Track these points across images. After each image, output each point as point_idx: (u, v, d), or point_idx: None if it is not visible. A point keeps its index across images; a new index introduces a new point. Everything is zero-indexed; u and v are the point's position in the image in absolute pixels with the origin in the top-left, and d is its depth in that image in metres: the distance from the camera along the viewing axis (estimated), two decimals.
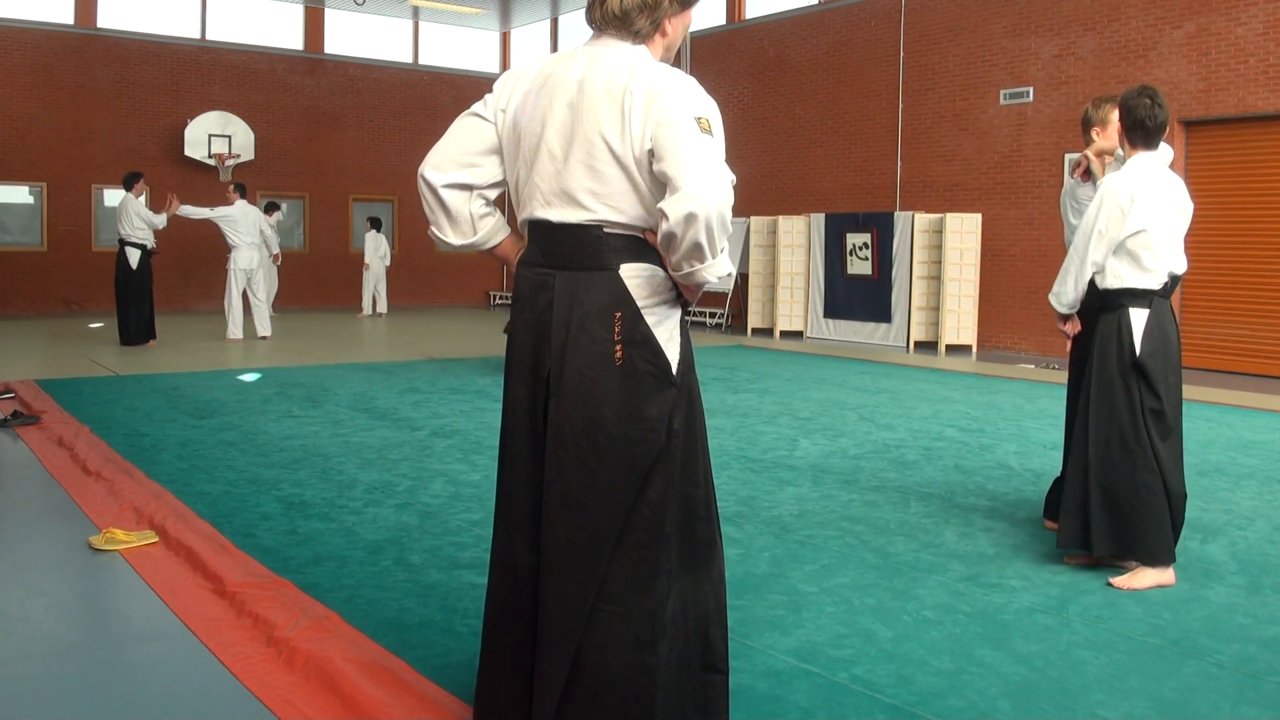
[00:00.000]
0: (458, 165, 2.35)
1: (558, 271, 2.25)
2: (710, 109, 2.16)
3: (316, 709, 2.63)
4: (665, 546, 2.23)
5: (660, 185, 2.13)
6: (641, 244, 2.23)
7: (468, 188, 2.36)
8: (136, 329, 11.12)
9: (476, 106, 2.38)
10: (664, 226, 2.08)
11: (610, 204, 2.18)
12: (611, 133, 2.14)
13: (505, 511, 2.36)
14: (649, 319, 2.22)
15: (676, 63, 2.35)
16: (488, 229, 2.42)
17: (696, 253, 2.10)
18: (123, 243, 11.24)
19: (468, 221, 2.39)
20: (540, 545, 2.26)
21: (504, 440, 2.37)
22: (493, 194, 2.41)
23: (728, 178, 2.12)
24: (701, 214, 2.04)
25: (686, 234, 2.06)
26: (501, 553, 2.36)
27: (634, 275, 2.22)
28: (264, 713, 2.63)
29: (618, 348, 2.19)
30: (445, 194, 2.35)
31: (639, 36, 2.24)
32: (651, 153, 2.12)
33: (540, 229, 2.29)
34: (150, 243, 11.29)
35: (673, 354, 2.25)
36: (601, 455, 2.18)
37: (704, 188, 2.05)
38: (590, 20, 2.28)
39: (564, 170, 2.20)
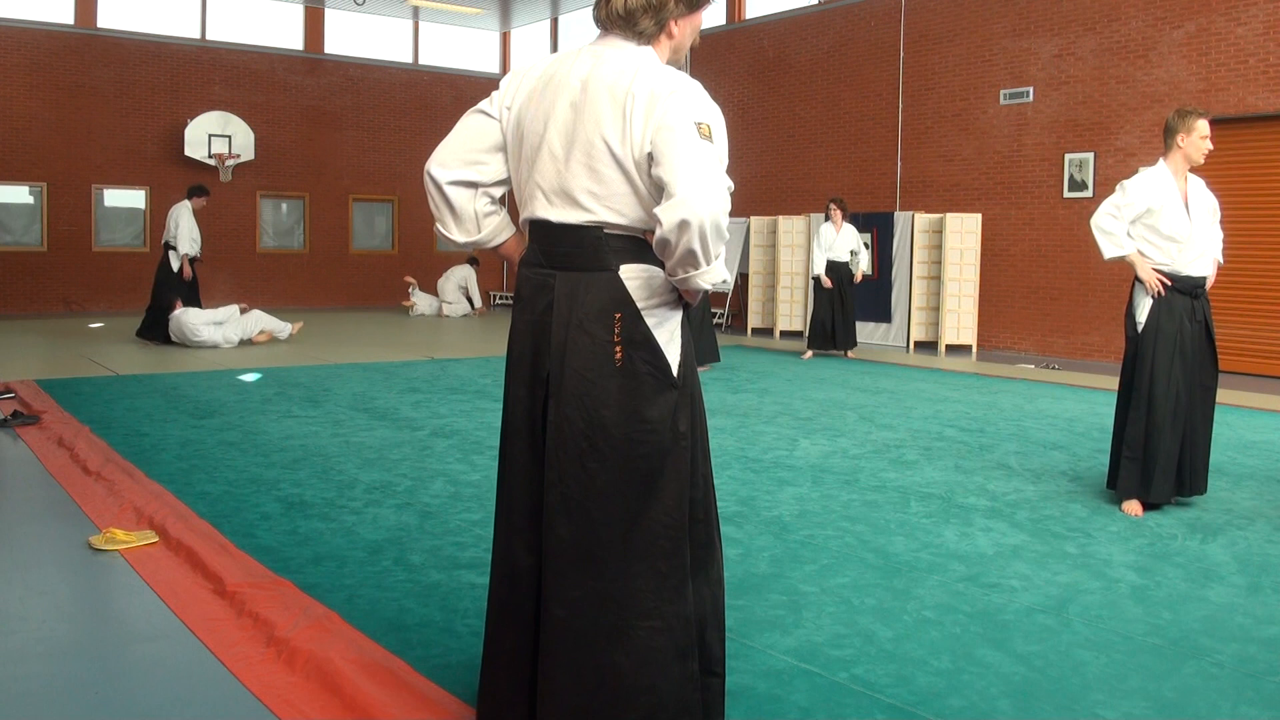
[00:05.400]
0: (463, 162, 2.34)
1: (558, 272, 2.24)
2: (712, 114, 2.14)
3: (316, 709, 2.63)
4: (687, 551, 2.23)
5: (660, 189, 2.12)
6: (642, 245, 2.22)
7: (473, 185, 2.36)
8: (164, 329, 11.30)
9: (483, 104, 2.37)
10: (658, 232, 2.07)
11: (610, 205, 2.17)
12: (612, 134, 2.13)
13: (505, 513, 2.35)
14: (649, 320, 2.20)
15: (676, 62, 2.34)
16: (492, 227, 2.41)
17: (690, 259, 2.08)
18: (166, 245, 11.55)
19: (472, 219, 2.38)
20: (540, 547, 2.25)
21: (504, 441, 2.37)
22: (497, 192, 2.40)
23: (725, 185, 2.10)
24: (695, 221, 2.02)
25: (680, 240, 2.05)
26: (501, 554, 2.35)
27: (634, 276, 2.21)
28: (264, 713, 2.63)
29: (617, 348, 2.18)
30: (450, 191, 2.34)
31: (643, 37, 2.23)
32: (651, 156, 2.10)
33: (541, 229, 2.28)
34: (188, 250, 11.46)
35: (673, 355, 2.24)
36: (601, 457, 2.17)
37: (698, 194, 2.03)
38: (596, 19, 2.28)
39: (565, 170, 2.19)
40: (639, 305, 2.20)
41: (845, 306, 11.19)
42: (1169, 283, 4.78)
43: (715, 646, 2.36)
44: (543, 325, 2.25)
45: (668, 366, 2.22)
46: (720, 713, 2.40)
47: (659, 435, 2.19)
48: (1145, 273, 4.80)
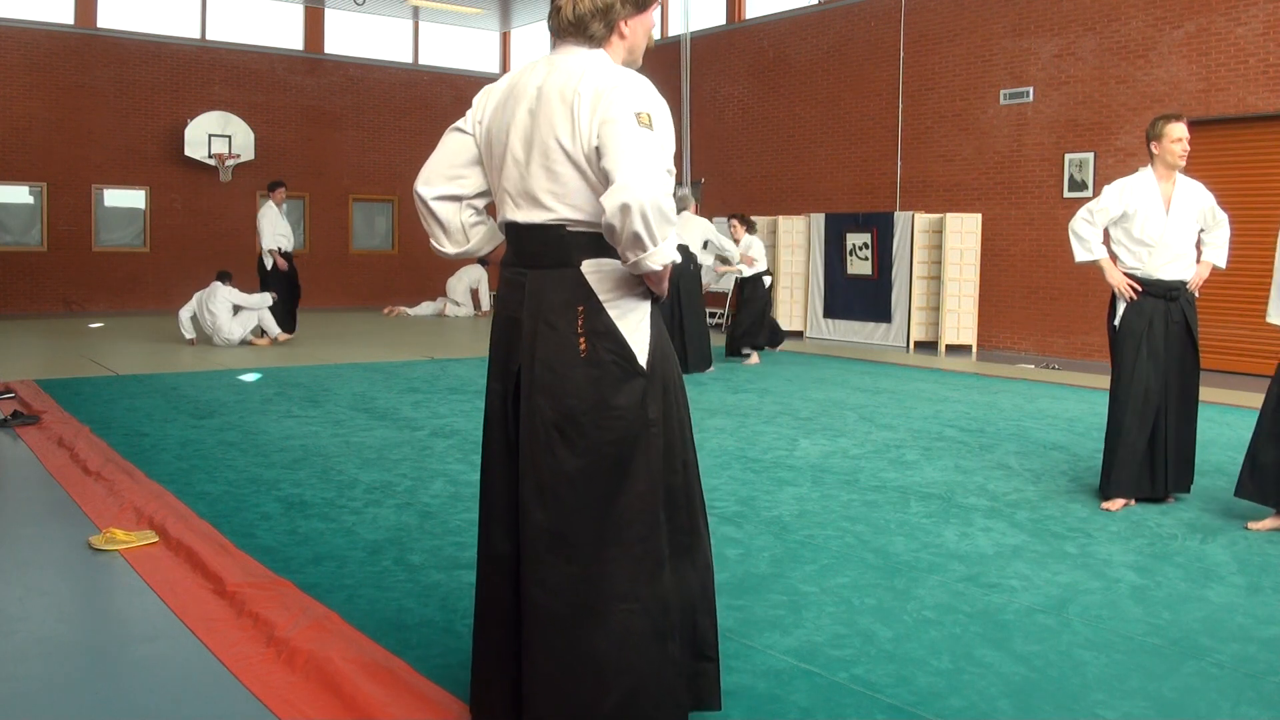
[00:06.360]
0: (445, 178, 2.50)
1: (529, 270, 2.36)
2: (653, 104, 2.24)
3: (316, 709, 2.63)
4: (661, 535, 2.30)
5: (608, 181, 2.22)
6: (604, 240, 2.30)
7: (456, 199, 2.51)
8: (283, 319, 11.74)
9: (459, 122, 2.53)
10: (604, 219, 2.16)
11: (569, 203, 2.28)
12: (564, 134, 2.24)
13: (486, 501, 2.47)
14: (612, 311, 2.30)
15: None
16: (480, 237, 2.56)
17: (637, 242, 2.15)
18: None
19: (460, 231, 2.54)
20: (518, 535, 2.33)
21: (484, 432, 2.50)
22: (480, 203, 2.54)
23: (664, 168, 2.19)
24: (635, 204, 2.10)
25: (624, 224, 2.13)
26: (484, 542, 2.46)
27: (595, 270, 2.31)
28: (264, 713, 2.63)
29: (581, 340, 2.27)
30: (436, 206, 2.51)
31: (594, 40, 2.35)
32: (598, 150, 2.21)
33: (512, 231, 2.41)
34: (272, 246, 11.78)
35: (639, 344, 2.31)
36: (571, 444, 2.26)
37: (637, 179, 2.12)
38: (550, 29, 2.40)
39: (526, 173, 2.32)
40: (601, 298, 2.29)
41: (739, 313, 10.59)
42: (1139, 288, 4.82)
43: (707, 632, 2.44)
44: (514, 321, 2.37)
45: (633, 356, 2.30)
46: (716, 696, 2.46)
47: (627, 422, 2.27)
48: (1113, 279, 4.87)
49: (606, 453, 2.25)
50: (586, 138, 2.22)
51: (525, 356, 2.31)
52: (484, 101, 2.47)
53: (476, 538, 2.52)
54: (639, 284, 2.32)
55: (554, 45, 2.40)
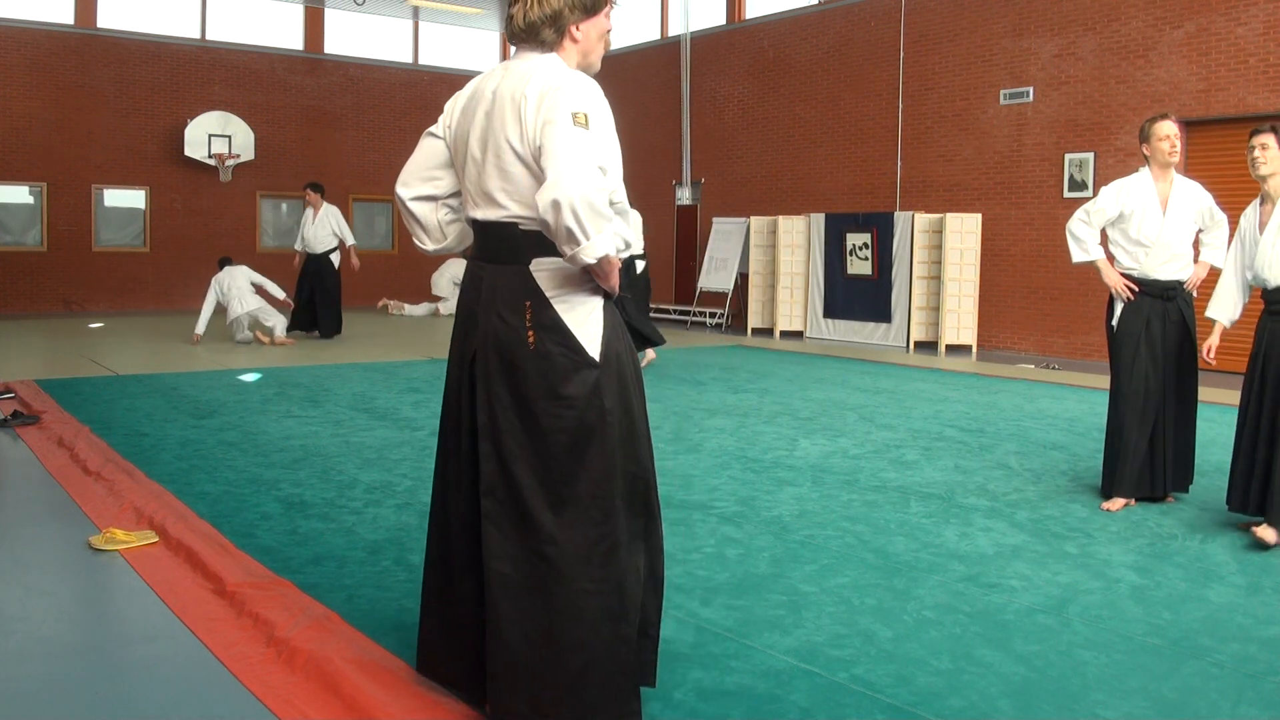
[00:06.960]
0: (420, 180, 2.64)
1: (487, 264, 2.49)
2: (591, 104, 2.33)
3: (316, 709, 2.63)
4: (618, 520, 2.40)
5: None
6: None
7: (432, 199, 2.65)
8: (328, 323, 12.40)
9: (432, 126, 2.66)
10: (539, 216, 2.26)
11: (520, 200, 2.40)
12: (513, 135, 2.36)
13: (440, 482, 2.59)
14: (558, 307, 2.41)
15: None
16: (456, 234, 2.69)
17: (570, 237, 2.24)
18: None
19: (437, 229, 2.67)
20: (473, 511, 2.46)
21: (442, 415, 2.62)
22: (455, 202, 2.67)
23: (595, 165, 2.27)
24: (564, 200, 2.20)
25: (557, 220, 2.22)
26: (437, 515, 2.59)
27: (542, 269, 2.42)
28: (264, 713, 2.63)
29: (530, 333, 2.39)
30: (414, 206, 2.64)
31: (546, 46, 2.46)
32: (540, 149, 2.31)
33: (475, 227, 2.56)
34: (303, 249, 12.39)
35: (589, 337, 2.42)
36: (528, 431, 2.38)
37: (566, 175, 2.21)
38: (508, 37, 2.52)
39: (483, 172, 2.45)
40: (547, 294, 2.41)
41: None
42: (1137, 288, 4.83)
43: (651, 612, 2.58)
44: (473, 312, 2.50)
45: (580, 347, 2.40)
46: (651, 673, 2.60)
47: (578, 411, 2.38)
48: (1110, 279, 4.88)
49: (560, 440, 2.37)
50: (532, 138, 2.33)
51: (480, 346, 2.45)
52: (453, 107, 2.60)
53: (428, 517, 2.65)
54: (587, 280, 2.43)
55: (514, 53, 2.52)
